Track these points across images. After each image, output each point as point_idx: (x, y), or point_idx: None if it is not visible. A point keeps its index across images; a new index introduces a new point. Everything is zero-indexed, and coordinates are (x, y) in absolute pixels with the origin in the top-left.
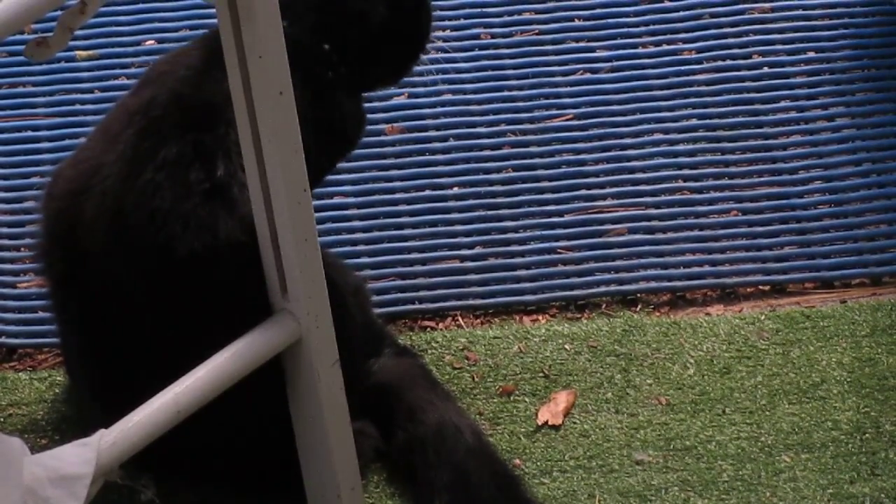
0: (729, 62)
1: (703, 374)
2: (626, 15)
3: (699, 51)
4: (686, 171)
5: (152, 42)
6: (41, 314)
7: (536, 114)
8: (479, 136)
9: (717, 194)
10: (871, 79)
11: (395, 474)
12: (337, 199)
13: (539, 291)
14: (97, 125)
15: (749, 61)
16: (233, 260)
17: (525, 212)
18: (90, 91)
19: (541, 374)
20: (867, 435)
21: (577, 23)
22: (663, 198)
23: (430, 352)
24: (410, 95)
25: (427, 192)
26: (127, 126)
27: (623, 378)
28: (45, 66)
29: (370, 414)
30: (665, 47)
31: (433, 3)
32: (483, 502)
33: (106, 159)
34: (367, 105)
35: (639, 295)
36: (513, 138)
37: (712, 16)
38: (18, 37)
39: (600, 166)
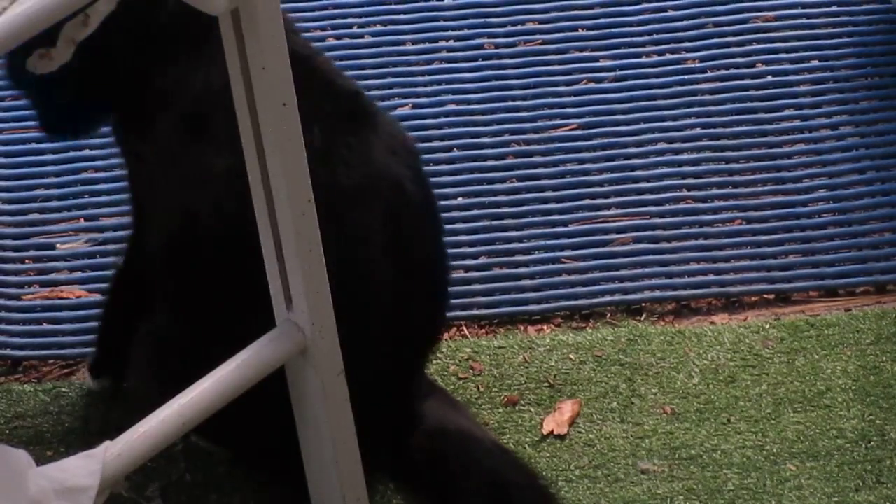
0: (732, 71)
1: (708, 383)
2: (630, 24)
3: (702, 60)
4: (690, 181)
5: None
6: (46, 326)
7: (540, 123)
8: (482, 146)
9: (722, 203)
10: (875, 87)
11: (419, 491)
12: None
13: (543, 301)
14: None
15: (752, 70)
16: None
17: (529, 221)
18: None
19: (545, 384)
20: (872, 443)
21: (580, 32)
22: (667, 207)
23: (434, 362)
24: (414, 106)
25: None
26: None
27: (628, 387)
28: None
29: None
30: (668, 56)
31: (437, 13)
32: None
33: None
34: None
35: (643, 304)
36: (517, 148)
37: (715, 25)
38: None
39: (604, 176)
